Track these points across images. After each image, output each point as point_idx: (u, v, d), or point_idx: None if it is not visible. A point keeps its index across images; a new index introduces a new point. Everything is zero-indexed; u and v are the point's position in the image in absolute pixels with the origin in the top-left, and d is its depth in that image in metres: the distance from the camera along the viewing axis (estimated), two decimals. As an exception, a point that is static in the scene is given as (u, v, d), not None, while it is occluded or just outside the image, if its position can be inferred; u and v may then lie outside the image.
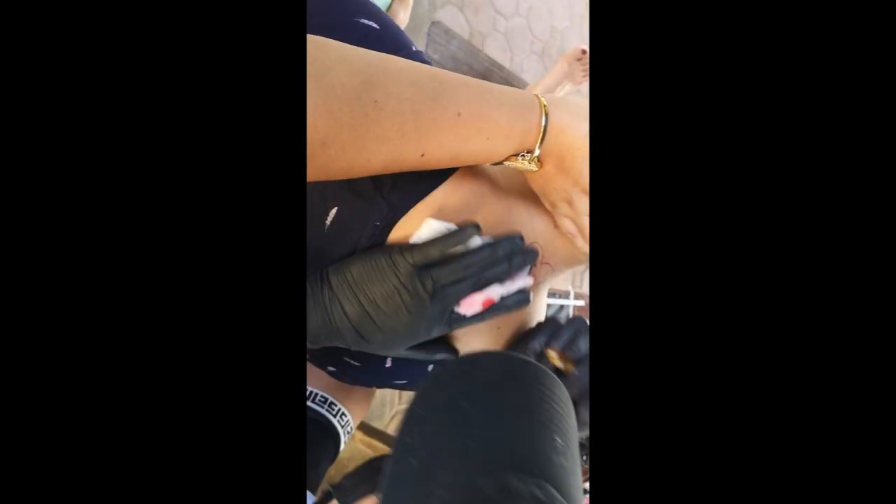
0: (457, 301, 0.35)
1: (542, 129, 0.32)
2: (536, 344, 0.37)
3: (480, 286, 0.35)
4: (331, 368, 0.48)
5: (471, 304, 0.36)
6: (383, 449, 1.13)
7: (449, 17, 1.90)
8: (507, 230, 0.38)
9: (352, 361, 0.45)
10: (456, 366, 0.28)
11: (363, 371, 0.46)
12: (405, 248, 0.34)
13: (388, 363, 0.45)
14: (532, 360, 0.30)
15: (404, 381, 0.47)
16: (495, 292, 0.36)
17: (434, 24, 0.92)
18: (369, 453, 1.24)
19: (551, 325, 0.39)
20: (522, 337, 0.41)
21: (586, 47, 0.92)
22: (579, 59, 0.91)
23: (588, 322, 0.37)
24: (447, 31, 0.95)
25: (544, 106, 0.32)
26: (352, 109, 0.26)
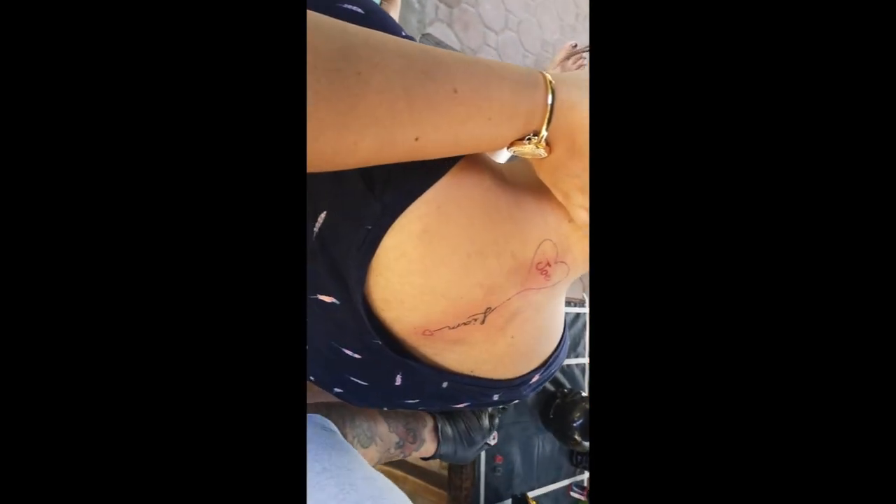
0: None
1: (548, 108, 0.29)
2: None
3: None
4: (337, 390, 0.44)
5: None
6: (403, 478, 1.08)
7: (438, 33, 1.91)
8: (516, 226, 0.35)
9: (358, 381, 0.42)
10: None
11: (371, 390, 0.42)
12: None
13: (398, 381, 0.41)
14: None
15: (416, 401, 0.43)
16: None
17: (425, 35, 0.91)
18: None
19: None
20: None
21: (575, 42, 0.89)
22: (569, 57, 0.88)
23: None
24: (438, 43, 0.94)
25: (550, 82, 0.29)
26: (331, 82, 0.23)
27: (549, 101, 0.29)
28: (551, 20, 2.44)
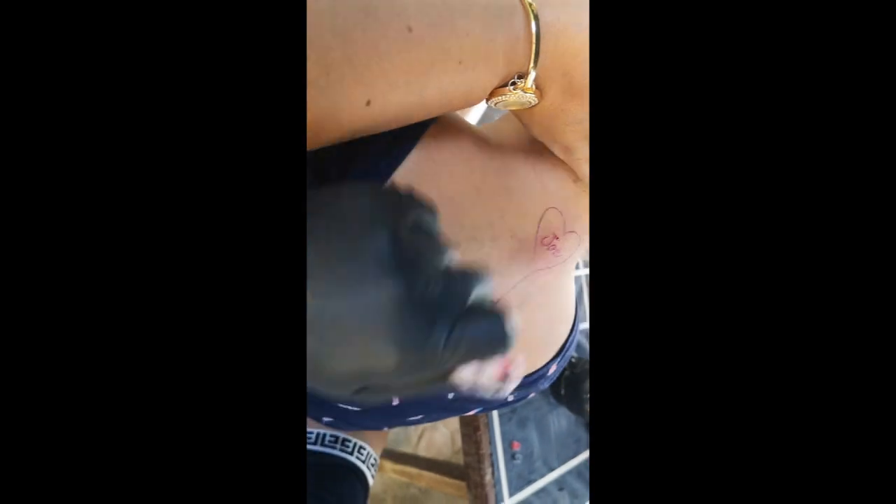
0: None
1: (533, 37, 0.22)
2: None
3: None
4: (326, 419, 0.38)
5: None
6: (418, 475, 1.03)
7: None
8: (511, 199, 0.29)
9: (349, 407, 0.35)
10: None
11: (365, 415, 0.36)
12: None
13: (395, 401, 0.35)
14: None
15: (419, 417, 0.37)
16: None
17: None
18: (405, 481, 1.14)
19: None
20: None
21: None
22: None
23: None
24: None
25: (529, 4, 0.23)
26: None
27: (534, 28, 0.22)
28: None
